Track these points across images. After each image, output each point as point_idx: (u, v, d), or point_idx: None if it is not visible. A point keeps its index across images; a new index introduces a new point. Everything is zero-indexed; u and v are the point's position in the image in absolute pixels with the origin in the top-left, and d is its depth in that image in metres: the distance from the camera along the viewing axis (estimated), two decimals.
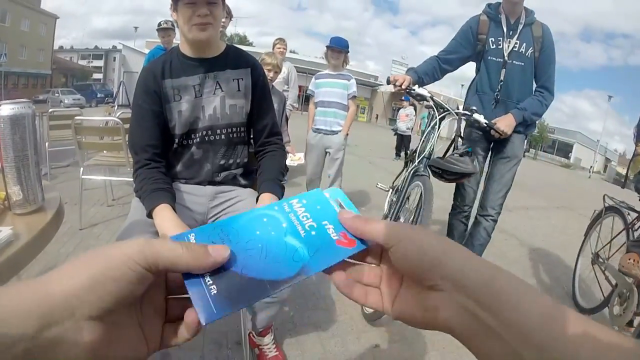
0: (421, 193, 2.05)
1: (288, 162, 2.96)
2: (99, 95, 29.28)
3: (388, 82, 2.38)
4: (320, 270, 0.33)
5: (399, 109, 10.19)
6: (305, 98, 11.30)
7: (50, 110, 4.61)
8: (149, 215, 1.20)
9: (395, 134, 10.59)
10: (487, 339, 0.29)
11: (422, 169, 2.23)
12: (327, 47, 3.35)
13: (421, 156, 2.26)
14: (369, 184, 5.65)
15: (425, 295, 0.33)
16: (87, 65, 48.52)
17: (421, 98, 2.37)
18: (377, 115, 39.72)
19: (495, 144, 2.51)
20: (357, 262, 0.36)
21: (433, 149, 2.28)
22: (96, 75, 47.11)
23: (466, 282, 0.30)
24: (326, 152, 3.45)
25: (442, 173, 2.18)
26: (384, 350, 1.91)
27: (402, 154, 9.83)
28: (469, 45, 2.47)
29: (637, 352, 0.25)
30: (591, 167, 31.02)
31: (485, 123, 2.24)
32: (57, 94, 25.76)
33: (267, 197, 1.34)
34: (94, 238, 2.77)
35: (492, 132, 2.29)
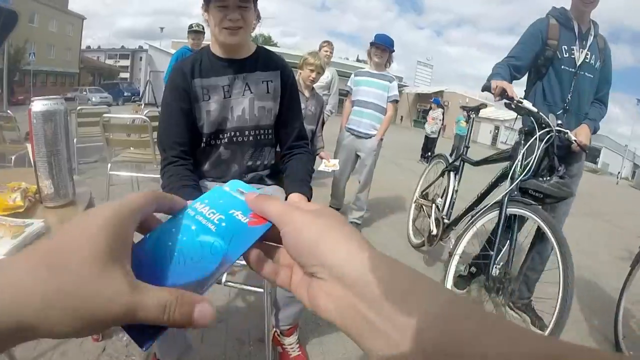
0: (539, 229, 1.87)
1: (322, 167, 2.90)
2: (125, 94, 29.83)
3: (485, 90, 2.12)
4: (242, 253, 0.33)
5: (424, 110, 10.26)
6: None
7: (78, 107, 4.71)
8: None
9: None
10: (371, 335, 0.25)
11: (517, 193, 1.94)
12: (371, 44, 3.19)
13: (515, 178, 1.94)
14: (395, 186, 5.63)
15: (310, 282, 0.30)
16: (114, 65, 49.57)
17: (527, 112, 2.01)
18: (402, 116, 39.49)
19: (562, 159, 2.12)
20: (273, 243, 0.35)
21: (531, 170, 1.94)
22: (123, 75, 48.06)
23: (343, 271, 0.27)
24: (357, 155, 3.31)
25: (544, 197, 1.91)
26: None
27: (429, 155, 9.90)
28: (537, 50, 2.24)
29: (545, 345, 0.21)
30: (619, 172, 30.07)
31: (574, 140, 1.99)
32: (84, 92, 26.37)
33: (296, 197, 1.33)
34: None
35: (573, 145, 2.03)
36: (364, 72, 3.27)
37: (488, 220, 2.02)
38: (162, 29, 45.86)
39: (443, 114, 10.24)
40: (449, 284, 1.99)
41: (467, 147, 2.65)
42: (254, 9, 1.31)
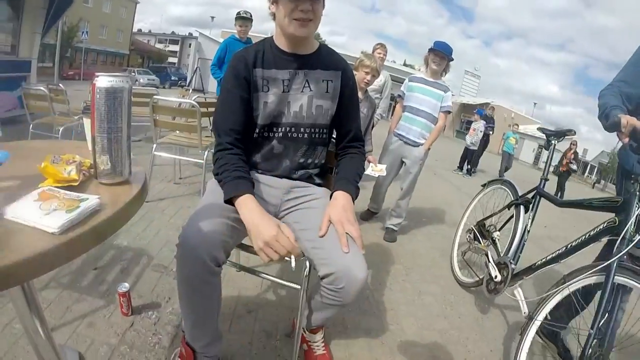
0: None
1: (369, 171, 2.82)
2: (172, 78, 30.63)
3: (613, 129, 1.62)
4: None
5: (468, 121, 10.06)
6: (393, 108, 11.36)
7: None
8: (229, 201, 1.22)
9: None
10: None
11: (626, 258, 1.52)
12: (430, 50, 3.06)
13: (627, 239, 1.50)
14: (432, 195, 5.53)
15: None
16: (163, 49, 51.02)
17: None
18: (445, 126, 38.45)
19: None
20: None
21: None
22: (171, 59, 49.42)
23: None
24: (402, 162, 3.24)
25: None
26: None
27: (466, 166, 9.76)
28: None
29: None
30: None
31: None
32: (133, 73, 27.21)
33: (340, 195, 1.33)
34: (159, 212, 2.88)
35: None
36: (419, 79, 3.15)
37: (583, 285, 1.62)
38: (212, 18, 46.58)
39: (490, 127, 9.91)
40: (524, 354, 1.64)
41: (546, 180, 2.22)
42: (323, 2, 1.29)
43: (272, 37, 1.39)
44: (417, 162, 3.15)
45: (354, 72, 2.79)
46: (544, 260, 1.92)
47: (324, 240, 1.26)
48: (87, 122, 0.96)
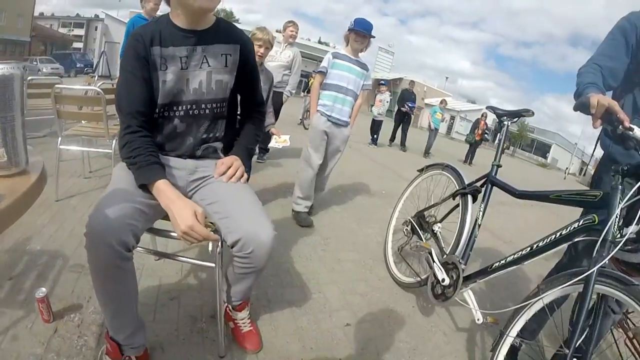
0: (602, 297, 1.33)
1: (273, 143, 2.95)
2: (78, 65, 28.41)
3: (580, 109, 1.40)
4: None
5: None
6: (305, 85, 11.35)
7: (28, 78, 4.48)
8: (143, 187, 1.23)
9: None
10: None
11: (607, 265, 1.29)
12: (350, 29, 3.00)
13: (609, 242, 1.28)
14: (347, 168, 5.70)
15: None
16: (68, 34, 46.90)
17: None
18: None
19: None
20: None
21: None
22: (76, 45, 45.56)
23: None
24: (327, 142, 3.13)
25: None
26: (354, 329, 1.97)
27: (376, 137, 10.34)
28: (632, 50, 1.66)
29: None
30: (567, 168, 31.78)
31: None
32: (35, 62, 24.89)
33: (227, 158, 1.49)
34: (71, 210, 2.73)
35: None
36: (343, 56, 3.06)
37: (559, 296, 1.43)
38: None
39: (411, 106, 10.50)
40: None
41: (499, 166, 2.04)
42: None
43: (167, 14, 1.38)
44: (346, 141, 3.20)
45: None
46: (503, 261, 1.71)
47: (229, 210, 1.32)
48: None
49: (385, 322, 2.08)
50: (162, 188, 1.22)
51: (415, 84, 11.52)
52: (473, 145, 12.07)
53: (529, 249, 1.63)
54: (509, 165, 14.97)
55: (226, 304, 1.67)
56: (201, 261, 1.52)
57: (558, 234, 1.51)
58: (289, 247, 2.69)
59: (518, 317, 1.50)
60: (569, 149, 42.40)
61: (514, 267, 1.68)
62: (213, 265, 1.38)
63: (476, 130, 11.79)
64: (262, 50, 2.85)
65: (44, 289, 1.58)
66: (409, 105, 10.44)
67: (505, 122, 2.07)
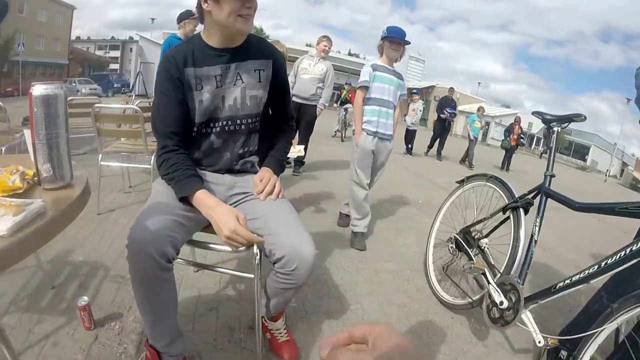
0: None
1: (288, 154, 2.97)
2: (115, 85, 29.58)
3: None
4: None
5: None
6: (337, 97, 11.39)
7: (68, 98, 4.67)
8: (183, 199, 1.27)
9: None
10: None
11: None
12: (384, 38, 2.86)
13: None
14: (382, 178, 5.65)
15: None
16: (104, 56, 48.95)
17: None
18: None
19: None
20: None
21: None
22: (113, 66, 47.49)
23: None
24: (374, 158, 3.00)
25: None
26: None
27: (406, 146, 10.11)
28: None
29: None
30: (607, 170, 30.44)
31: None
32: (74, 84, 26.12)
33: (262, 172, 1.51)
34: (111, 223, 2.82)
35: None
36: (382, 67, 2.91)
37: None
38: (153, 19, 45.32)
39: (451, 112, 10.16)
40: None
41: (552, 177, 1.89)
42: None
43: (199, 34, 1.41)
44: (389, 155, 3.07)
45: None
46: (568, 281, 1.57)
47: (271, 226, 1.33)
48: (27, 133, 0.98)
49: (424, 333, 2.03)
50: (201, 198, 1.25)
51: (454, 90, 11.02)
52: (509, 151, 11.60)
53: (596, 267, 1.48)
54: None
55: (263, 315, 1.67)
56: (240, 272, 1.53)
57: (628, 249, 1.37)
58: (326, 258, 2.68)
59: (591, 341, 1.37)
60: (609, 149, 40.71)
61: (580, 286, 1.53)
62: (252, 276, 1.38)
63: (511, 135, 11.35)
64: None
65: (85, 298, 1.63)
66: (448, 111, 10.02)
67: (555, 129, 1.92)
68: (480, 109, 11.00)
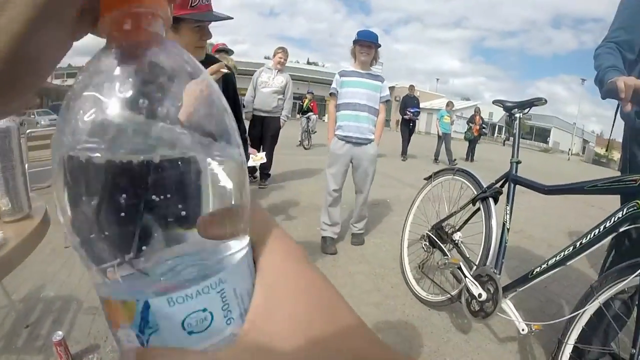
0: None
1: (251, 162, 2.95)
2: None
3: (610, 95, 1.35)
4: None
5: None
6: (299, 107, 11.37)
7: (27, 131, 4.56)
8: None
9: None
10: None
11: None
12: (354, 42, 2.90)
13: None
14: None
15: None
16: (62, 85, 47.79)
17: None
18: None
19: None
20: None
21: None
22: None
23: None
24: (351, 163, 3.01)
25: None
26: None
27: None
28: None
29: None
30: (569, 149, 31.67)
31: None
32: (32, 116, 25.40)
33: None
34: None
35: None
36: (351, 72, 2.93)
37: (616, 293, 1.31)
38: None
39: (413, 111, 9.94)
40: None
41: (518, 163, 1.90)
42: None
43: None
44: (374, 160, 3.00)
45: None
46: (545, 265, 1.56)
47: None
48: None
49: (402, 328, 2.08)
50: None
51: (414, 87, 10.54)
52: (472, 142, 11.86)
53: (571, 248, 1.47)
54: (510, 155, 15.00)
55: None
56: None
57: (602, 227, 1.38)
58: None
59: (574, 323, 1.39)
60: (569, 129, 42.34)
61: (557, 269, 1.53)
62: None
63: (473, 126, 11.61)
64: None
65: (60, 333, 1.61)
66: (411, 111, 9.66)
67: (517, 115, 1.94)
68: (449, 104, 11.01)
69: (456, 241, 2.14)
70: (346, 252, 3.05)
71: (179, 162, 0.18)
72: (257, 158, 2.99)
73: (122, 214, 0.17)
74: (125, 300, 0.18)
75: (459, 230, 2.18)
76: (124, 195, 0.16)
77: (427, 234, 2.33)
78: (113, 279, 0.18)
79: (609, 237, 1.38)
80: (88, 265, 0.19)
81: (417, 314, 2.21)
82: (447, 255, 2.10)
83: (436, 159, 10.40)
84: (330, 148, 2.97)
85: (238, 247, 0.20)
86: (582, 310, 1.36)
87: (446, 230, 2.23)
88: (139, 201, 0.17)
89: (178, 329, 0.18)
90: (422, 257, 2.43)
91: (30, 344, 1.78)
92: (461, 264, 1.95)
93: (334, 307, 0.23)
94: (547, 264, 1.55)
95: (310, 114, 10.43)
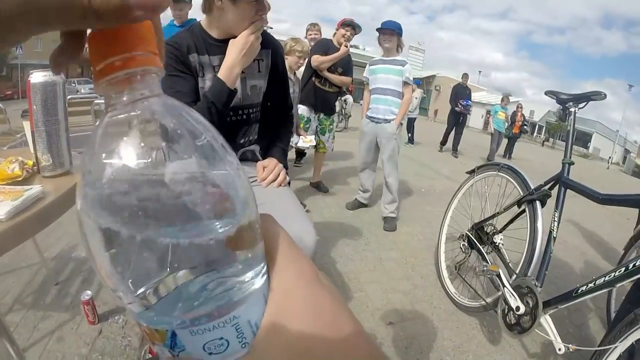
0: None
1: (300, 144, 3.20)
2: None
3: None
4: None
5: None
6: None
7: (68, 97, 4.68)
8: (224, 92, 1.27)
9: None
10: None
11: None
12: (377, 30, 3.23)
13: None
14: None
15: None
16: None
17: None
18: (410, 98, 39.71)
19: None
20: None
21: None
22: None
23: None
24: (377, 142, 3.32)
25: None
26: (397, 327, 1.93)
27: (407, 135, 9.63)
28: None
29: None
30: (610, 157, 30.37)
31: None
32: (73, 84, 26.07)
33: (268, 161, 1.43)
34: None
35: None
36: (378, 61, 3.30)
37: None
38: None
39: (464, 104, 9.03)
40: None
41: (571, 164, 1.75)
42: None
43: (199, 23, 1.40)
44: (391, 138, 3.20)
45: (287, 57, 3.03)
46: (592, 285, 1.42)
47: (271, 214, 1.31)
48: (26, 124, 0.97)
49: (429, 320, 2.04)
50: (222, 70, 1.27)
51: (468, 77, 9.45)
52: (512, 139, 11.34)
53: (623, 269, 1.33)
54: (550, 159, 14.44)
55: None
56: None
57: None
58: (330, 247, 2.68)
59: (611, 349, 1.28)
60: (611, 137, 40.63)
61: (604, 290, 1.40)
62: None
63: (514, 123, 11.10)
64: (301, 61, 3.13)
65: (89, 292, 1.64)
66: (462, 103, 8.79)
67: (572, 109, 1.76)
68: (504, 99, 10.24)
69: (497, 244, 1.98)
70: (378, 238, 3.01)
71: None
72: (307, 140, 3.10)
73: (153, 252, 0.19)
74: (157, 329, 0.21)
75: (500, 232, 2.03)
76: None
77: (466, 233, 2.20)
78: (146, 309, 0.21)
79: None
80: (123, 298, 0.21)
81: (444, 307, 2.16)
82: (487, 261, 1.95)
83: (489, 160, 9.36)
84: (361, 127, 3.42)
85: (252, 277, 0.22)
86: (623, 337, 1.25)
87: (486, 230, 2.09)
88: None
89: (200, 350, 0.21)
90: (459, 257, 2.29)
91: (58, 302, 1.83)
92: (500, 271, 1.80)
93: (339, 330, 0.23)
94: (594, 284, 1.41)
95: (347, 96, 10.25)
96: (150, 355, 1.40)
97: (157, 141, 0.20)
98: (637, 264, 1.28)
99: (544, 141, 38.85)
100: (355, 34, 3.60)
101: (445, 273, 2.38)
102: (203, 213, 0.20)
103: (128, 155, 0.19)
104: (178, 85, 1.32)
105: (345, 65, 3.60)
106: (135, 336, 1.62)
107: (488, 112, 37.36)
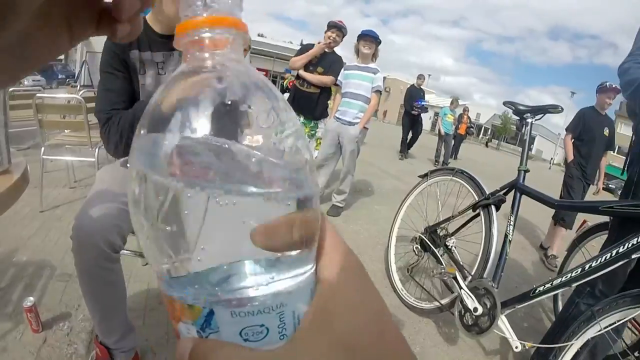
0: None
1: None
2: (60, 77, 27.92)
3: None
4: None
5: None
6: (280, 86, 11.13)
7: (10, 89, 4.40)
8: None
9: None
10: None
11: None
12: (358, 37, 3.38)
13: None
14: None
15: None
16: None
17: None
18: (377, 105, 40.06)
19: None
20: None
21: None
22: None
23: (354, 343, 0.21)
24: (339, 142, 3.46)
25: None
26: None
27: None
28: None
29: None
30: (552, 159, 32.12)
31: None
32: None
33: None
34: (56, 220, 2.70)
35: None
36: (352, 66, 3.44)
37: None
38: None
39: (418, 106, 8.72)
40: None
41: (526, 172, 1.82)
42: None
43: (144, 17, 1.37)
44: (352, 140, 3.37)
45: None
46: (549, 285, 1.49)
47: None
48: None
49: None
50: None
51: (424, 78, 9.14)
52: (458, 140, 11.86)
53: (579, 270, 1.40)
54: (495, 159, 15.16)
55: None
56: None
57: (614, 252, 1.32)
58: None
59: (569, 346, 1.32)
60: (553, 139, 43.09)
61: (561, 290, 1.49)
62: None
63: (460, 125, 11.50)
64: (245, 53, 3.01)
65: (31, 299, 1.57)
66: (417, 105, 8.43)
67: (529, 120, 1.83)
68: (453, 101, 10.39)
69: (450, 247, 2.03)
70: None
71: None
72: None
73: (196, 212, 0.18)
74: (191, 304, 0.20)
75: (453, 235, 2.09)
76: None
77: (419, 236, 2.22)
78: (188, 277, 0.20)
79: (621, 263, 1.32)
80: (157, 261, 0.20)
81: (389, 302, 2.23)
82: (442, 263, 1.99)
83: (437, 160, 9.70)
84: (325, 126, 3.60)
85: (304, 269, 0.22)
86: (580, 334, 1.31)
87: (440, 233, 2.14)
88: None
89: (236, 335, 0.20)
90: (411, 258, 2.32)
91: (0, 310, 1.73)
92: (456, 273, 1.85)
93: (382, 328, 0.23)
94: (551, 284, 1.48)
95: (286, 94, 9.99)
96: None
97: (242, 104, 0.20)
98: (592, 265, 1.37)
99: (486, 142, 40.91)
100: (344, 36, 3.58)
101: (395, 275, 2.39)
102: (282, 187, 0.19)
103: (212, 116, 0.19)
104: (110, 83, 1.28)
105: (328, 66, 3.54)
106: (82, 343, 1.57)
107: (436, 114, 38.60)
